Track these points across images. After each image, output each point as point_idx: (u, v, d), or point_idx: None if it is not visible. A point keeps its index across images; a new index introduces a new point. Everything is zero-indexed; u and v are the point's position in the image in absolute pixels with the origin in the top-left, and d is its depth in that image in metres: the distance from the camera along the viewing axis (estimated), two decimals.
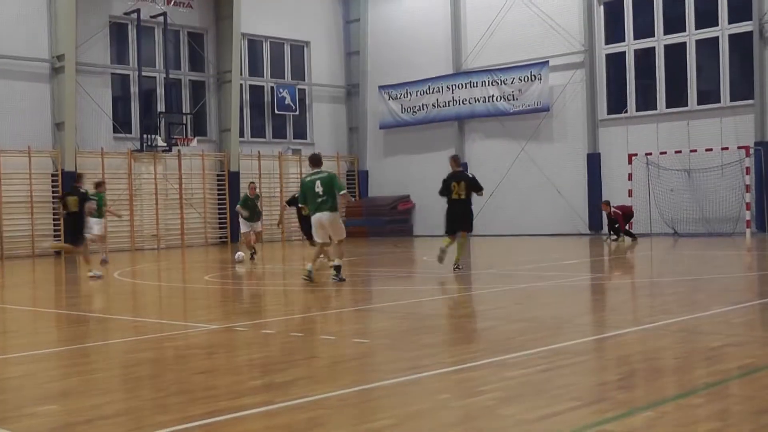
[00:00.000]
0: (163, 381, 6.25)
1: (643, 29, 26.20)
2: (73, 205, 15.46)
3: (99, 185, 19.46)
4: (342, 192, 13.38)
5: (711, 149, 23.85)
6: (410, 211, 31.70)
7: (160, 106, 28.52)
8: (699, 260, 16.72)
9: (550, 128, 28.04)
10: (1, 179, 24.69)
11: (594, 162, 26.93)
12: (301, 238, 20.40)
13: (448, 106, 30.11)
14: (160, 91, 28.72)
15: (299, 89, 32.00)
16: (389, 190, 32.14)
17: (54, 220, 25.69)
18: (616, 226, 23.21)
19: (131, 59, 28.01)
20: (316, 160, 13.74)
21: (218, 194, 29.59)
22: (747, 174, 23.22)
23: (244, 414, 5.03)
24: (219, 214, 29.58)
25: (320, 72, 32.80)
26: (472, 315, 10.02)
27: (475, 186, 14.66)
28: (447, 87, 30.09)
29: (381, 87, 32.05)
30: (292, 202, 19.17)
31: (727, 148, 23.74)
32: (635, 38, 26.44)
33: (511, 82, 28.44)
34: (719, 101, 24.72)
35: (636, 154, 24.70)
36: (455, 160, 15.51)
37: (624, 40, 26.67)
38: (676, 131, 24.98)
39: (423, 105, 30.84)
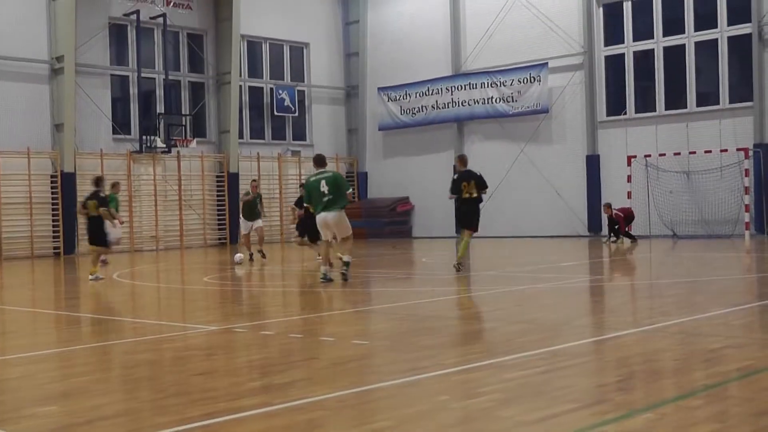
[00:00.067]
0: (162, 382, 6.25)
1: (643, 31, 26.21)
2: (93, 209, 15.63)
3: (113, 186, 19.57)
4: (348, 191, 13.59)
5: (710, 151, 23.86)
6: (409, 212, 31.70)
7: (160, 108, 28.52)
8: (698, 262, 16.72)
9: (549, 130, 28.05)
10: (0, 180, 24.68)
11: (593, 164, 26.94)
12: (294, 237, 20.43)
13: (448, 107, 30.12)
14: (160, 93, 28.72)
15: (298, 91, 32.00)
16: (388, 192, 32.15)
17: (53, 221, 25.69)
18: (616, 227, 23.23)
19: (131, 60, 28.01)
20: (320, 161, 13.85)
21: (217, 196, 29.59)
22: (746, 176, 23.22)
23: (243, 415, 5.03)
24: (218, 215, 29.58)
25: (319, 73, 32.80)
26: (472, 316, 10.02)
27: (482, 184, 14.77)
28: (446, 89, 30.10)
29: (380, 88, 32.06)
30: (299, 203, 19.15)
31: (726, 150, 23.75)
32: (634, 40, 26.45)
33: (511, 84, 28.45)
34: (718, 103, 24.73)
35: (635, 156, 24.70)
36: (462, 160, 15.54)
37: (623, 42, 26.69)
38: (675, 133, 24.99)
39: (422, 107, 30.85)
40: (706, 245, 20.75)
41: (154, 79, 28.57)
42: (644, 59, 26.27)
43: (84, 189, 25.47)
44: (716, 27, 24.63)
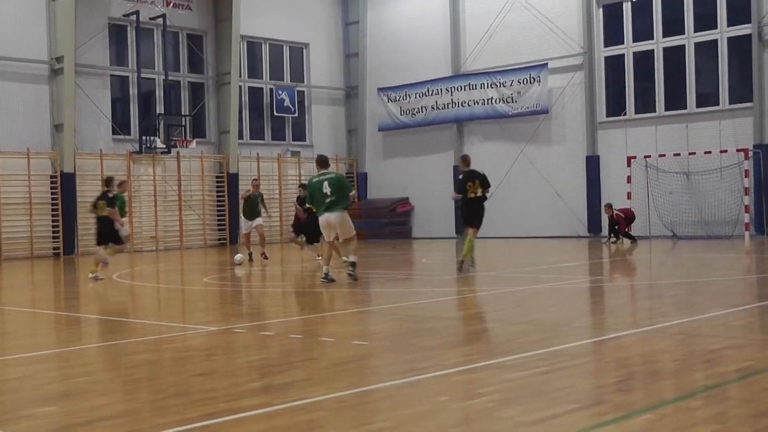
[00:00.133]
0: (162, 383, 6.25)
1: (642, 32, 26.22)
2: (102, 209, 15.80)
3: (120, 185, 19.61)
4: (351, 192, 13.80)
5: (710, 152, 23.86)
6: (409, 213, 31.70)
7: (159, 108, 28.51)
8: (698, 263, 16.73)
9: (549, 131, 28.06)
10: (0, 181, 24.67)
11: (593, 164, 26.95)
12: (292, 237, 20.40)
13: (447, 108, 30.12)
14: (159, 93, 28.72)
15: (298, 91, 31.99)
16: (388, 193, 32.15)
17: (53, 221, 25.69)
18: (616, 227, 23.24)
19: (130, 61, 28.01)
20: (322, 162, 13.92)
21: (217, 196, 29.59)
22: (746, 177, 23.24)
23: (243, 416, 5.03)
24: (218, 216, 29.58)
25: (319, 74, 32.81)
26: (472, 317, 10.03)
27: (486, 183, 14.92)
28: (446, 89, 30.10)
29: (380, 89, 32.06)
30: (300, 201, 19.12)
31: (725, 151, 23.76)
32: (634, 41, 26.46)
33: (510, 85, 28.46)
34: (718, 104, 24.74)
35: (635, 157, 24.70)
36: (465, 160, 15.59)
37: (623, 43, 26.69)
38: (674, 134, 25.00)
39: (422, 107, 30.85)
40: (706, 246, 20.76)
41: (154, 79, 28.57)
42: (644, 60, 26.28)
43: (84, 189, 25.60)
44: (716, 28, 24.63)
